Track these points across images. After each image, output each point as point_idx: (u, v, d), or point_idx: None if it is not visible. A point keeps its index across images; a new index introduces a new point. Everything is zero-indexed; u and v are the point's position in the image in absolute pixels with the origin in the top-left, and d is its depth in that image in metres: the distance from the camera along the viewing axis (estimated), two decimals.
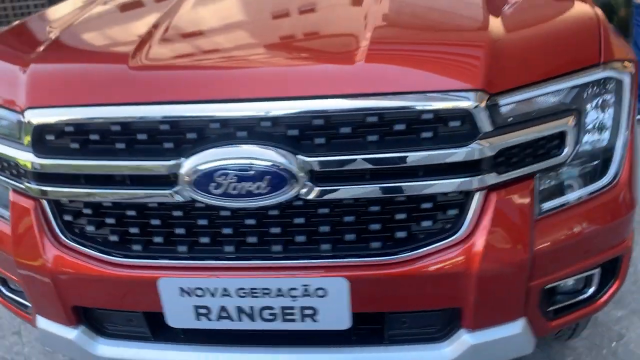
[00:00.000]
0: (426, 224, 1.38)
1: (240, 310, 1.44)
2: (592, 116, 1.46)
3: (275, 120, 1.32)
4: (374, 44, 1.38)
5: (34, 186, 1.46)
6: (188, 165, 1.33)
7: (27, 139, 1.43)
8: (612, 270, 1.61)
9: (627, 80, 1.48)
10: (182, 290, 1.43)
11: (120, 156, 1.39)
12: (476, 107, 1.29)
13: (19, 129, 1.45)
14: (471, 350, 1.46)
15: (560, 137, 1.40)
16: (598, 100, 1.46)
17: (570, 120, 1.40)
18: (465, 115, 1.30)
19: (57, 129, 1.41)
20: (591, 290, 1.60)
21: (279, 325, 1.46)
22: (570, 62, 1.42)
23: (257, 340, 1.56)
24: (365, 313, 1.48)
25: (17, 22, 2.19)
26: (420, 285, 1.40)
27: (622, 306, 2.46)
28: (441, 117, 1.31)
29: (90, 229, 1.49)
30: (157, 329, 1.58)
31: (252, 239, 1.41)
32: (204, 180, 1.33)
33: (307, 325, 1.45)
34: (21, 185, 1.49)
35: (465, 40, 1.41)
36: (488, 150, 1.31)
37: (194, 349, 1.58)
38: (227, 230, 1.42)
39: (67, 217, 1.49)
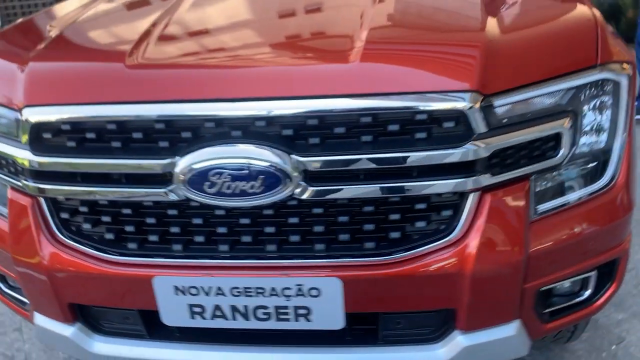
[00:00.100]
0: (420, 224, 1.38)
1: (234, 309, 1.45)
2: (589, 118, 1.45)
3: (270, 120, 1.32)
4: (369, 44, 1.38)
5: (31, 184, 1.47)
6: (182, 164, 1.33)
7: (25, 137, 1.44)
8: (609, 273, 1.60)
9: (624, 82, 1.47)
10: (176, 288, 1.44)
11: (116, 154, 1.39)
12: (470, 108, 1.29)
13: (17, 127, 1.46)
14: (465, 351, 1.46)
15: (556, 138, 1.39)
16: (595, 102, 1.45)
17: (566, 122, 1.39)
18: (459, 116, 1.30)
19: (54, 127, 1.42)
20: (588, 293, 1.59)
21: (273, 324, 1.46)
22: (566, 63, 1.41)
23: (252, 340, 1.56)
24: (360, 313, 1.48)
25: (20, 20, 2.22)
26: (414, 286, 1.40)
27: (623, 309, 2.45)
28: (435, 117, 1.30)
29: (86, 226, 1.49)
30: (152, 327, 1.58)
31: (246, 239, 1.41)
32: (198, 179, 1.33)
33: (301, 325, 1.45)
34: (19, 183, 1.50)
35: (461, 41, 1.41)
36: (482, 152, 1.31)
37: (189, 348, 1.58)
38: (221, 230, 1.42)
39: (64, 215, 1.50)
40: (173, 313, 1.48)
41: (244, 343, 1.57)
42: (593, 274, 1.56)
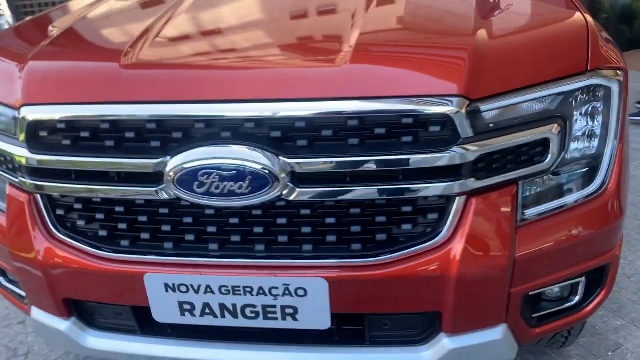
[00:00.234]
0: (406, 227, 1.39)
1: (223, 307, 1.47)
2: (579, 124, 1.45)
3: (259, 121, 1.34)
4: (359, 47, 1.39)
5: (27, 180, 1.50)
6: (172, 163, 1.36)
7: (22, 135, 1.47)
8: (599, 279, 1.60)
9: (615, 89, 1.47)
10: (166, 286, 1.46)
11: (109, 153, 1.42)
12: (457, 112, 1.30)
13: (15, 125, 1.50)
14: (451, 354, 1.47)
15: (544, 144, 1.39)
16: (585, 108, 1.45)
17: (554, 128, 1.39)
18: (445, 121, 1.31)
19: (49, 126, 1.45)
20: (577, 299, 1.59)
21: (260, 323, 1.48)
22: (556, 69, 1.41)
23: (243, 337, 1.58)
24: (347, 314, 1.49)
25: (27, 19, 2.26)
26: (399, 288, 1.41)
27: (622, 315, 2.44)
28: (422, 121, 1.32)
29: (81, 223, 1.52)
30: (144, 323, 1.61)
31: (235, 238, 1.43)
32: (187, 178, 1.35)
33: (288, 324, 1.47)
34: (16, 180, 1.54)
35: (449, 46, 1.41)
36: (468, 156, 1.31)
37: (181, 344, 1.61)
38: (211, 229, 1.44)
39: (59, 212, 1.54)
40: (163, 310, 1.51)
41: (235, 340, 1.59)
42: (582, 279, 1.56)
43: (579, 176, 1.50)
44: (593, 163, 1.50)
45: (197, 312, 1.49)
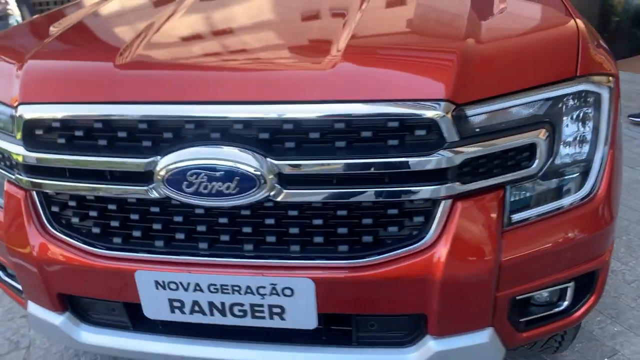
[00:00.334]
0: (392, 229, 1.40)
1: (211, 305, 1.49)
2: (569, 129, 1.46)
3: (247, 123, 1.36)
4: (347, 51, 1.40)
5: (23, 177, 1.53)
6: (163, 163, 1.38)
7: (19, 133, 1.51)
8: (588, 285, 1.60)
9: (605, 95, 1.47)
10: (157, 283, 1.49)
11: (102, 152, 1.45)
12: (443, 117, 1.30)
13: (12, 123, 1.53)
14: (436, 357, 1.48)
15: (531, 149, 1.40)
16: (575, 114, 1.45)
17: (542, 133, 1.39)
18: (431, 125, 1.32)
19: (45, 125, 1.48)
20: (566, 304, 1.59)
21: (248, 321, 1.50)
22: (544, 74, 1.41)
23: (232, 336, 1.60)
24: (334, 314, 1.51)
25: (34, 17, 2.30)
26: (385, 290, 1.42)
27: (620, 322, 2.43)
28: (408, 125, 1.33)
29: (75, 220, 1.56)
30: (136, 319, 1.64)
31: (224, 237, 1.45)
32: (177, 178, 1.38)
33: (276, 323, 1.48)
34: (13, 176, 1.57)
35: (437, 50, 1.42)
36: (453, 160, 1.32)
37: (171, 341, 1.63)
38: (201, 228, 1.47)
39: (54, 208, 1.57)
40: (154, 307, 1.53)
41: (224, 338, 1.61)
42: (571, 285, 1.56)
43: (568, 181, 1.50)
44: (583, 168, 1.50)
45: (187, 309, 1.51)
